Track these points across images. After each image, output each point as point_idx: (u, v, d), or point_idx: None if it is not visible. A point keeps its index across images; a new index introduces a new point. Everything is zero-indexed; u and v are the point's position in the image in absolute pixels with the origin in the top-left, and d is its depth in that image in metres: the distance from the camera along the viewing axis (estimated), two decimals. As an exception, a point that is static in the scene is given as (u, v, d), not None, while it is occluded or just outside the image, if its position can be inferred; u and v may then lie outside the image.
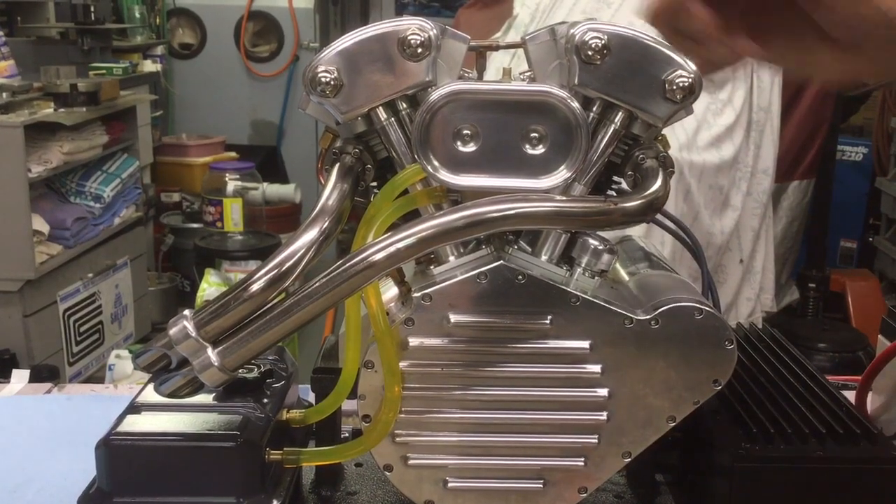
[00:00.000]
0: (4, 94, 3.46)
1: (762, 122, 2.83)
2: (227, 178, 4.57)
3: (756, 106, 2.81)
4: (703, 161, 2.68)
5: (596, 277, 0.94)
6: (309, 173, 5.62)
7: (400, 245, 0.86)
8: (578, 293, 0.92)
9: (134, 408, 0.94)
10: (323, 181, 0.95)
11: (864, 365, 1.14)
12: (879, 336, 1.23)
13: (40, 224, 3.46)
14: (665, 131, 0.98)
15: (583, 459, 0.95)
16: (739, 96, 2.75)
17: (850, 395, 1.13)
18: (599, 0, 2.79)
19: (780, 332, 1.21)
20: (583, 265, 0.93)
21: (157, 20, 5.88)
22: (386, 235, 0.87)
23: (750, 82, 2.78)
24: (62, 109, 3.59)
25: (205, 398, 0.94)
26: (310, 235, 0.89)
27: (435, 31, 0.90)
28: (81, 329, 3.74)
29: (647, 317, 0.92)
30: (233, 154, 5.47)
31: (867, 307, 3.58)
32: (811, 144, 3.39)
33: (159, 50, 5.64)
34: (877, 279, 3.88)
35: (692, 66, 0.91)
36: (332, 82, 0.90)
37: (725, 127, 2.72)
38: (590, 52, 0.89)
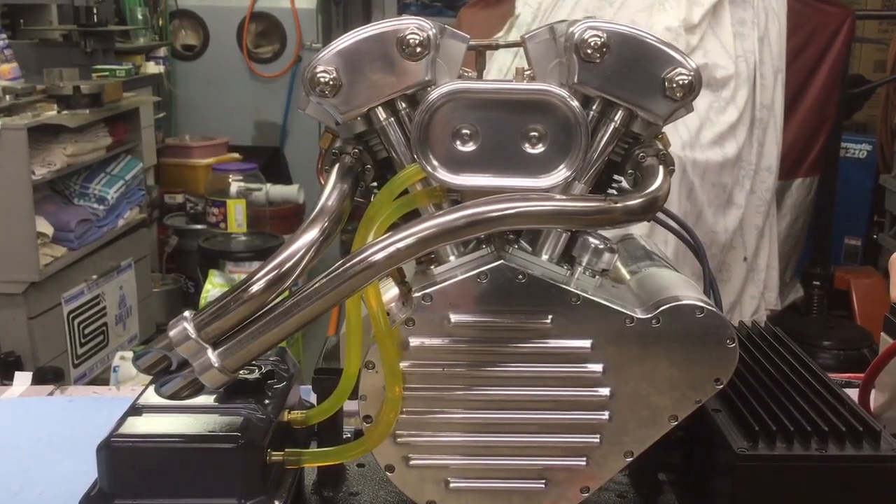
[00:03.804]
0: (8, 97, 3.46)
1: (765, 120, 2.83)
2: (230, 180, 4.57)
3: (759, 104, 2.81)
4: (706, 159, 2.68)
5: (597, 276, 0.93)
6: (312, 174, 5.58)
7: (400, 245, 0.86)
8: (579, 292, 0.91)
9: (135, 410, 0.94)
10: (323, 182, 0.95)
11: (869, 362, 1.14)
12: (882, 333, 1.23)
13: (44, 226, 3.46)
14: (668, 130, 0.98)
15: (585, 459, 0.95)
16: (742, 94, 2.75)
17: (854, 393, 1.12)
18: (601, -2, 2.79)
19: (785, 330, 1.21)
20: (583, 264, 0.93)
21: (160, 22, 5.87)
22: (386, 236, 0.87)
23: (753, 80, 2.77)
24: (65, 111, 3.59)
25: (206, 400, 0.94)
26: (309, 236, 0.89)
27: (434, 30, 0.90)
28: (86, 331, 3.74)
29: (648, 315, 0.92)
30: (236, 155, 5.46)
31: (872, 305, 3.56)
32: (815, 142, 3.38)
33: (162, 51, 5.64)
34: (881, 276, 3.86)
35: (692, 64, 0.90)
36: (331, 82, 0.90)
37: (728, 125, 2.72)
38: (589, 51, 0.89)
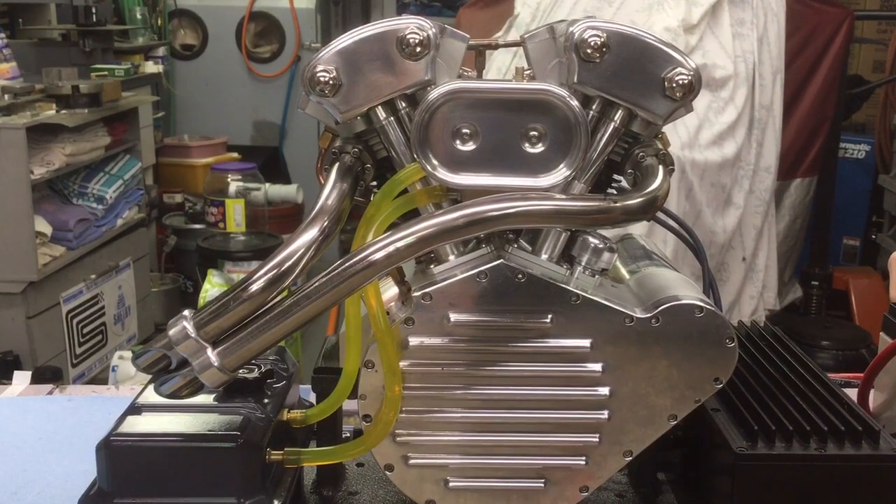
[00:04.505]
0: (6, 96, 3.46)
1: (764, 120, 2.83)
2: (229, 179, 4.57)
3: (758, 104, 2.81)
4: (705, 159, 2.68)
5: (596, 276, 0.93)
6: (311, 174, 5.58)
7: (399, 244, 0.86)
8: (579, 292, 0.91)
9: (134, 409, 0.94)
10: (322, 181, 0.95)
11: (868, 363, 1.14)
12: (881, 333, 1.23)
13: (43, 226, 3.45)
14: (667, 130, 0.98)
15: (584, 458, 0.95)
16: (741, 94, 2.75)
17: (853, 393, 1.13)
18: (601, -1, 2.79)
19: (784, 330, 1.21)
20: (583, 264, 0.93)
21: (159, 21, 5.87)
22: (385, 235, 0.87)
23: (752, 80, 2.77)
24: (64, 111, 3.59)
25: (205, 399, 0.94)
26: (309, 235, 0.89)
27: (434, 29, 0.90)
28: (84, 331, 3.74)
29: (648, 315, 0.92)
30: (235, 155, 5.46)
31: (870, 305, 3.57)
32: (813, 142, 3.38)
33: (161, 51, 5.63)
34: (880, 276, 3.87)
35: (692, 64, 0.90)
36: (330, 81, 0.90)
37: (727, 125, 2.72)
38: (589, 50, 0.89)
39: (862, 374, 1.16)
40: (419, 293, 0.91)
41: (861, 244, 4.57)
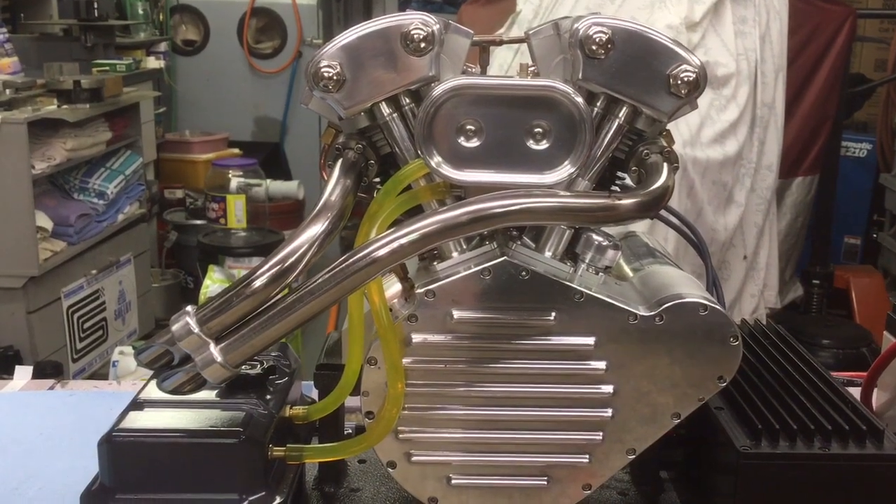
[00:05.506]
0: (8, 91, 3.45)
1: (766, 119, 2.83)
2: (230, 175, 4.57)
3: (760, 102, 2.80)
4: (706, 157, 2.68)
5: (600, 273, 0.93)
6: (312, 170, 5.61)
7: (403, 241, 0.86)
8: (582, 289, 0.91)
9: (136, 404, 0.94)
10: (326, 177, 0.95)
11: (868, 361, 1.14)
12: (885, 332, 1.23)
13: (44, 221, 3.45)
14: (668, 127, 0.97)
15: (587, 456, 0.95)
16: (743, 93, 2.75)
17: (856, 392, 1.12)
18: (603, -5, 2.79)
19: (785, 329, 1.21)
20: (587, 261, 0.93)
21: (161, 17, 5.86)
22: (389, 231, 0.87)
23: (754, 79, 2.77)
24: (65, 106, 3.59)
25: (207, 395, 0.94)
26: (312, 231, 0.88)
27: (438, 25, 0.90)
28: (85, 326, 3.74)
29: (652, 313, 0.92)
30: (236, 151, 5.46)
31: (871, 303, 3.57)
32: (815, 140, 3.38)
33: (162, 46, 5.63)
34: (881, 275, 3.87)
35: (697, 61, 0.90)
36: (334, 77, 0.90)
37: (729, 123, 2.72)
38: (594, 47, 0.88)
39: (864, 373, 1.16)
40: (422, 290, 0.91)
41: (862, 243, 4.57)
